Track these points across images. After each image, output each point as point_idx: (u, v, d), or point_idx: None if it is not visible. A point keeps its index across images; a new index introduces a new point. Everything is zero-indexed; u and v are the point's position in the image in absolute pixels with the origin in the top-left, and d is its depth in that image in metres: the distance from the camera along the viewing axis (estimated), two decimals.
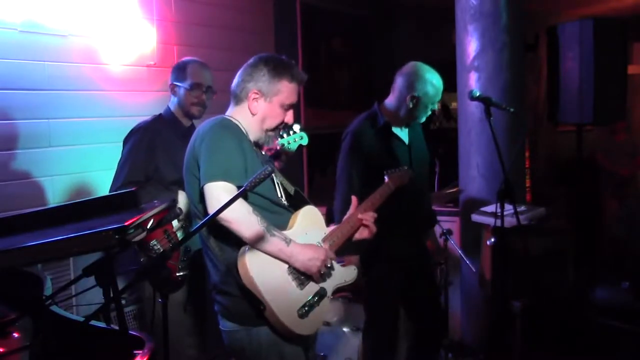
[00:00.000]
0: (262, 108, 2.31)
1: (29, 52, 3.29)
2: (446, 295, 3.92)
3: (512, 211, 2.80)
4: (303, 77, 2.37)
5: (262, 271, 2.11)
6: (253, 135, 2.33)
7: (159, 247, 2.83)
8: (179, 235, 2.94)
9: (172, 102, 3.17)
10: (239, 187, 2.11)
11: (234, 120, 2.31)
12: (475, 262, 3.90)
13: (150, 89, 3.97)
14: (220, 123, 2.27)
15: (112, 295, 1.68)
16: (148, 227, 1.72)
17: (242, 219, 2.09)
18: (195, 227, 1.84)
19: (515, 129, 4.13)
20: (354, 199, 2.54)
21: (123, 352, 1.86)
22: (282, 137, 3.44)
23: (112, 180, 3.01)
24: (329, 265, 2.30)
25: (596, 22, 4.03)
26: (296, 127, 3.37)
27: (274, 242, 2.14)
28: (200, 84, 3.09)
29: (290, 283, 2.19)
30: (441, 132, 7.28)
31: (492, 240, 3.37)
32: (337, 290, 2.41)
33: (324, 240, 2.35)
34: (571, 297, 4.34)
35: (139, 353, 1.86)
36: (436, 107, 3.24)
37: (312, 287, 2.25)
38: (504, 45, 4.14)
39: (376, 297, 3.26)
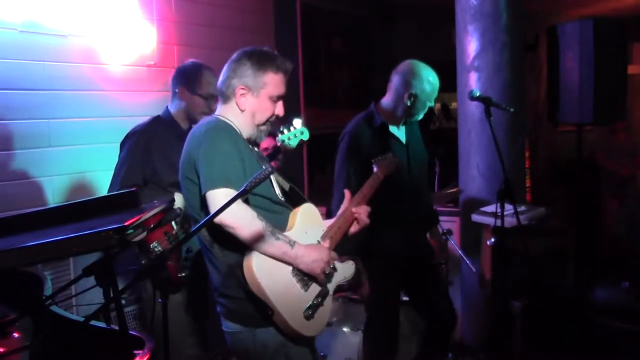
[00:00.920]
0: (250, 103, 2.28)
1: (29, 52, 3.29)
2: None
3: (512, 211, 2.80)
4: (288, 66, 2.33)
5: (269, 276, 2.10)
6: (246, 132, 2.31)
7: (159, 249, 2.82)
8: (180, 237, 2.94)
9: (174, 105, 3.10)
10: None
11: (225, 120, 2.29)
12: (475, 262, 3.90)
13: (150, 89, 3.97)
14: (215, 126, 2.24)
15: (112, 295, 1.68)
16: (148, 227, 1.72)
17: (247, 224, 2.07)
18: (194, 229, 1.84)
19: (515, 129, 4.13)
20: (347, 192, 2.52)
21: (123, 352, 1.85)
22: (282, 132, 3.43)
23: (109, 185, 3.00)
24: (332, 266, 2.30)
25: (596, 22, 4.03)
26: (296, 123, 3.36)
27: (279, 246, 2.13)
28: (214, 95, 3.05)
29: (295, 285, 2.19)
30: (441, 132, 7.29)
31: (492, 240, 3.37)
32: (338, 288, 2.41)
33: (323, 237, 2.35)
34: (571, 297, 4.34)
35: (139, 353, 1.86)
36: (433, 104, 3.24)
37: (315, 288, 2.25)
38: (504, 45, 4.14)
39: (376, 296, 3.26)
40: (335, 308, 3.76)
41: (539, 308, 3.95)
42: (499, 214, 2.79)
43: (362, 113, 3.29)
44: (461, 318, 4.44)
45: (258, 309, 2.14)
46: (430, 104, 3.19)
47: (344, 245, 2.45)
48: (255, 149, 2.41)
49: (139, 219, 1.62)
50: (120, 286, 2.04)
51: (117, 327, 1.84)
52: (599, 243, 6.10)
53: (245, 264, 2.10)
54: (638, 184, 6.66)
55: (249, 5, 4.94)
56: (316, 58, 5.88)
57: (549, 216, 3.77)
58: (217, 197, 2.09)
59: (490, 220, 3.49)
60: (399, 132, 3.27)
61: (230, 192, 2.09)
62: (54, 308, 2.18)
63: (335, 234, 2.40)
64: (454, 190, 4.41)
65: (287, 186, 2.45)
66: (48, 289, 2.26)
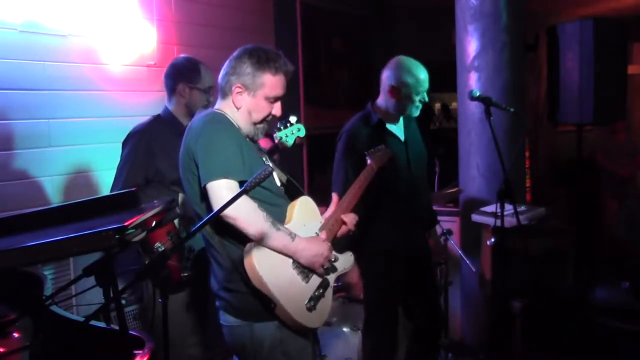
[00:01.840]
0: (246, 102, 2.28)
1: (29, 52, 3.29)
2: (446, 295, 3.92)
3: (512, 211, 2.80)
4: (289, 68, 2.32)
5: (270, 269, 2.11)
6: (243, 129, 2.31)
7: (163, 249, 2.83)
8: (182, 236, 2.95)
9: (173, 103, 3.08)
10: (240, 182, 2.11)
11: (223, 113, 2.29)
12: (475, 262, 3.90)
13: (150, 89, 3.96)
14: (212, 119, 2.25)
15: (112, 295, 1.68)
16: (148, 227, 1.72)
17: (248, 216, 2.08)
18: (196, 226, 1.83)
19: (515, 129, 4.13)
20: (334, 196, 2.51)
21: (123, 352, 1.85)
22: (279, 129, 3.43)
23: (112, 183, 3.00)
24: (331, 260, 2.30)
25: (596, 22, 4.03)
26: (292, 119, 3.35)
27: (280, 238, 2.14)
28: (213, 86, 3.05)
29: (296, 277, 2.20)
30: (441, 132, 7.29)
31: (492, 240, 3.37)
32: (335, 289, 2.42)
33: (321, 229, 2.35)
34: (571, 297, 4.34)
35: (139, 353, 1.86)
36: (425, 98, 3.16)
37: (316, 280, 2.26)
38: (504, 45, 4.14)
39: (374, 296, 3.26)
40: (335, 308, 3.77)
41: (539, 308, 3.95)
42: (499, 214, 2.79)
43: (359, 113, 3.29)
44: (461, 318, 4.44)
45: (260, 302, 2.14)
46: (419, 97, 3.12)
47: (338, 241, 2.45)
48: (255, 143, 2.40)
49: (139, 219, 1.62)
50: (120, 286, 2.04)
51: (117, 327, 1.84)
52: (599, 243, 6.10)
53: (246, 259, 2.10)
54: (638, 184, 6.66)
55: (249, 5, 4.94)
56: (316, 58, 5.88)
57: (549, 216, 3.77)
58: (217, 188, 2.10)
59: (490, 220, 3.49)
60: (398, 130, 3.26)
61: (230, 183, 2.10)
62: (54, 308, 2.18)
63: (333, 226, 2.40)
64: (454, 190, 4.41)
65: (284, 178, 2.46)
66: (48, 289, 2.26)
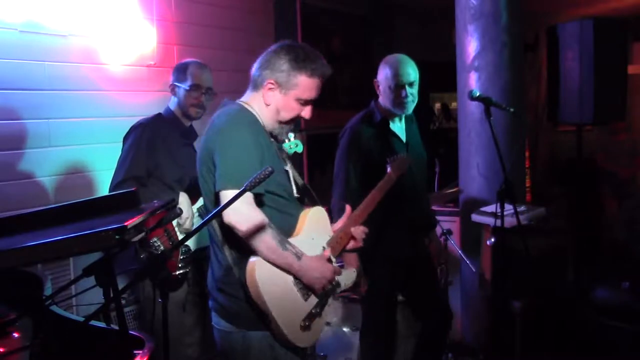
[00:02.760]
0: (276, 99, 2.20)
1: (29, 52, 3.29)
2: (446, 295, 3.92)
3: (512, 211, 2.80)
4: (326, 71, 2.23)
5: (270, 283, 2.08)
6: (268, 125, 2.24)
7: (159, 244, 2.85)
8: (179, 234, 2.95)
9: (172, 102, 3.18)
10: (255, 194, 2.07)
11: (250, 109, 2.22)
12: (475, 262, 3.90)
13: (150, 89, 3.97)
14: (236, 115, 2.17)
15: (112, 295, 1.67)
16: (148, 227, 1.72)
17: (258, 232, 2.03)
18: (196, 227, 1.83)
19: (515, 129, 4.13)
20: (347, 207, 2.47)
21: (123, 352, 1.85)
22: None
23: (112, 176, 3.01)
24: (334, 283, 2.26)
25: (596, 22, 4.03)
26: (291, 135, 3.36)
27: (285, 257, 2.09)
28: (200, 85, 3.09)
29: (296, 294, 2.16)
30: (441, 132, 7.29)
31: (492, 240, 3.37)
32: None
33: (328, 244, 2.31)
34: (571, 297, 4.34)
35: (139, 353, 1.86)
36: (411, 92, 3.11)
37: (314, 298, 2.22)
38: (504, 45, 4.14)
39: (373, 297, 3.26)
40: (335, 308, 3.77)
41: (539, 308, 3.95)
42: (499, 214, 2.79)
43: (363, 111, 3.31)
44: (461, 318, 4.44)
45: (254, 312, 2.11)
46: (402, 90, 3.08)
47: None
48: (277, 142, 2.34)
49: (139, 219, 1.62)
50: (120, 286, 2.04)
51: (117, 327, 1.83)
52: (599, 243, 6.10)
53: (248, 267, 2.07)
54: (638, 184, 6.66)
55: (249, 5, 4.93)
56: None
57: (549, 216, 3.78)
58: (228, 198, 2.04)
59: (490, 220, 3.49)
60: (400, 130, 3.27)
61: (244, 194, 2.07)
62: (54, 308, 2.18)
63: (341, 240, 2.37)
64: (454, 190, 4.41)
65: (301, 182, 2.41)
66: (48, 289, 2.26)
